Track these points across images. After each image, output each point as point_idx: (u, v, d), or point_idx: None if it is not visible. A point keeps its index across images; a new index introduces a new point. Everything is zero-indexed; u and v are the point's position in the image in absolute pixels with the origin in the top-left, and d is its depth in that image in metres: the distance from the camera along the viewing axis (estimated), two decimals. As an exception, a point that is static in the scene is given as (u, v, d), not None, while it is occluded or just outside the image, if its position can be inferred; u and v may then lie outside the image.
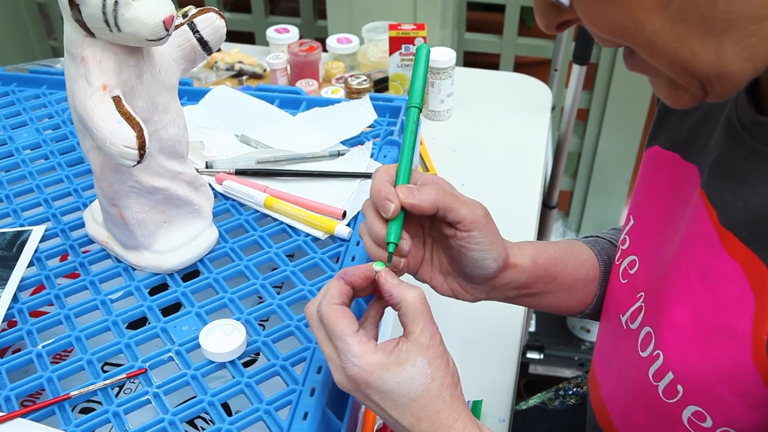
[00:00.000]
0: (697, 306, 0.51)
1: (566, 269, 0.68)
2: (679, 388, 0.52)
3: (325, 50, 1.41)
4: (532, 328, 1.85)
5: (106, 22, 0.57)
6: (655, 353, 0.54)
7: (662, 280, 0.56)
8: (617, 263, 0.65)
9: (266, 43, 1.45)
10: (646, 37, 0.42)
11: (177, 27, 0.67)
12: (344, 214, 0.78)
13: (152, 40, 0.59)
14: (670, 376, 0.52)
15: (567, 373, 1.73)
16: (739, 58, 0.41)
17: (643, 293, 0.59)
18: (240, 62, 1.38)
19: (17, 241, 0.75)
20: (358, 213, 0.79)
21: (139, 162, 0.59)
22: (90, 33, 0.59)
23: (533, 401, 0.93)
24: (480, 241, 0.59)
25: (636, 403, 0.58)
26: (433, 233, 0.63)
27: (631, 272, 0.62)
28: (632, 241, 0.63)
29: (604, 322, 0.68)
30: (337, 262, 0.73)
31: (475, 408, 0.78)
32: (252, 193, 0.80)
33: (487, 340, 0.83)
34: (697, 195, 0.53)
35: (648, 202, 0.61)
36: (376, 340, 0.56)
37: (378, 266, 0.56)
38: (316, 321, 0.54)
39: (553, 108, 1.56)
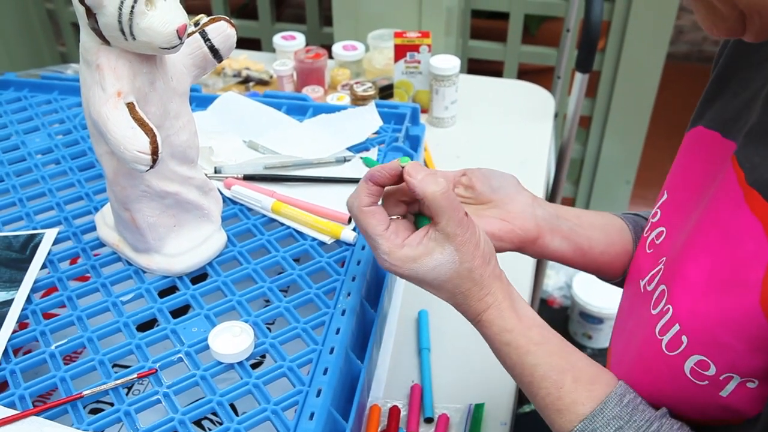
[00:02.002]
0: (714, 261, 0.53)
1: (589, 215, 0.75)
2: (684, 339, 0.53)
3: (330, 57, 1.42)
4: (535, 334, 1.87)
5: (122, 30, 0.58)
6: (665, 308, 0.56)
7: (683, 242, 0.58)
8: (645, 235, 0.67)
9: (273, 50, 1.47)
10: None
11: (189, 35, 0.68)
12: (350, 219, 0.79)
13: (166, 48, 0.60)
14: (676, 328, 0.54)
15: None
16: None
17: (665, 258, 0.61)
18: (247, 69, 1.40)
19: (30, 244, 0.77)
20: (363, 218, 0.80)
21: (152, 167, 0.61)
22: (105, 41, 0.60)
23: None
24: (478, 177, 0.71)
25: (637, 359, 0.60)
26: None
27: (657, 242, 0.64)
28: (663, 214, 0.65)
29: (625, 291, 0.70)
30: (342, 266, 0.75)
31: (477, 412, 0.79)
32: (260, 198, 0.82)
33: (485, 354, 0.85)
34: (728, 162, 0.55)
35: (683, 178, 0.63)
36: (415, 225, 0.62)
37: (403, 161, 0.59)
38: (355, 216, 0.61)
39: (556, 115, 1.58)
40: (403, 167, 0.58)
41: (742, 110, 0.58)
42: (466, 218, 0.58)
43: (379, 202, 0.62)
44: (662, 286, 0.58)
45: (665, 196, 0.65)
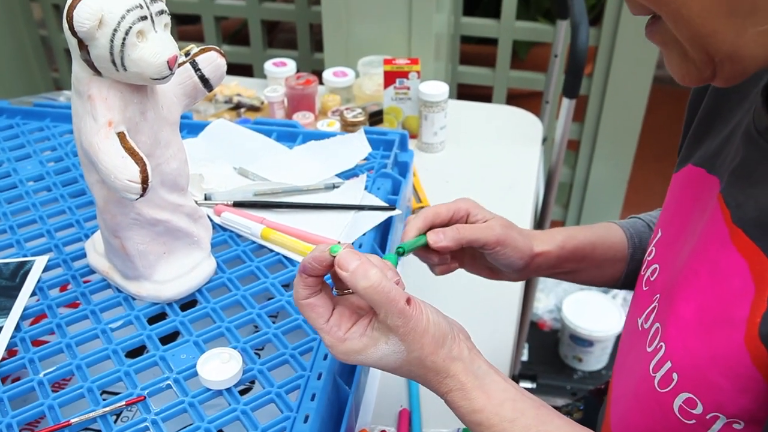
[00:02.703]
0: (703, 299, 0.53)
1: (595, 252, 0.78)
2: (674, 376, 0.53)
3: (321, 83, 1.44)
4: (525, 357, 1.87)
5: (113, 62, 0.59)
6: (659, 345, 0.56)
7: (675, 279, 0.58)
8: (642, 274, 0.68)
9: (264, 76, 1.48)
10: (674, 6, 0.45)
11: (180, 65, 0.69)
12: (339, 245, 0.80)
13: (157, 79, 0.61)
14: (668, 365, 0.54)
15: (559, 402, 1.73)
16: (755, 43, 0.45)
17: (659, 295, 0.62)
18: (238, 95, 1.41)
19: (20, 272, 0.77)
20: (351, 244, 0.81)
21: (142, 195, 0.62)
22: (97, 72, 0.61)
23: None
24: (505, 252, 0.72)
25: (633, 398, 0.60)
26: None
27: (652, 279, 0.64)
28: (657, 251, 0.66)
29: (624, 329, 0.70)
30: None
31: (466, 436, 0.79)
32: (249, 224, 0.82)
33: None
34: (715, 200, 0.56)
35: (674, 215, 0.64)
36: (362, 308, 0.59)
37: (333, 251, 0.55)
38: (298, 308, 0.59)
39: (545, 140, 1.59)
40: (334, 257, 0.54)
41: (723, 145, 0.59)
42: (408, 307, 0.54)
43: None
44: (657, 324, 0.59)
45: (659, 234, 0.66)
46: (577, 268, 0.79)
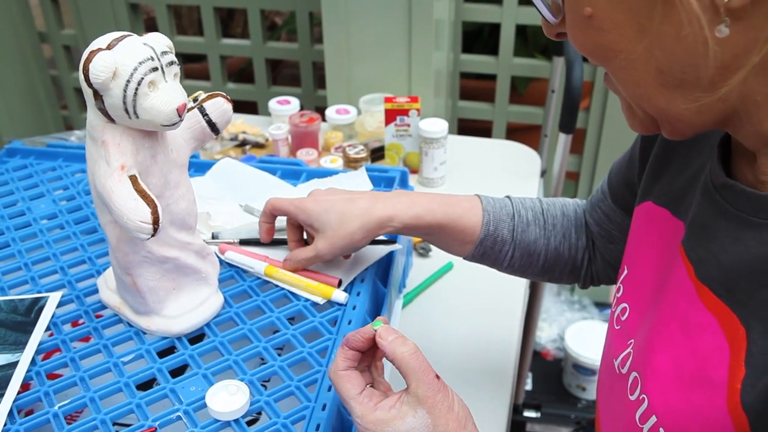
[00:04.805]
0: (677, 353, 0.54)
1: (442, 231, 0.81)
2: (661, 430, 0.54)
3: (324, 120, 1.48)
4: (529, 387, 1.88)
5: (126, 110, 0.63)
6: (641, 397, 0.58)
7: (649, 327, 0.59)
8: (612, 310, 0.68)
9: (269, 113, 1.53)
10: (613, 69, 0.49)
11: (188, 111, 0.73)
12: (339, 283, 0.83)
13: (167, 126, 0.65)
14: (653, 419, 0.55)
15: (564, 431, 1.75)
16: (688, 111, 0.48)
17: (633, 340, 0.62)
18: (244, 132, 1.45)
19: (35, 307, 0.80)
20: (353, 280, 0.84)
21: (153, 235, 0.65)
22: (111, 119, 0.65)
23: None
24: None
25: None
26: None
27: (623, 319, 0.65)
28: (625, 290, 0.67)
29: (602, 366, 0.71)
30: (334, 325, 0.78)
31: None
32: (252, 263, 0.85)
33: (474, 405, 0.87)
34: (678, 250, 0.57)
35: (640, 254, 0.65)
36: (390, 389, 0.63)
37: (376, 325, 0.61)
38: (332, 380, 0.62)
39: (544, 173, 1.63)
40: (376, 330, 0.61)
41: (687, 189, 0.60)
42: (437, 381, 0.58)
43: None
44: (635, 373, 0.60)
45: (626, 272, 0.68)
46: (427, 238, 0.85)
